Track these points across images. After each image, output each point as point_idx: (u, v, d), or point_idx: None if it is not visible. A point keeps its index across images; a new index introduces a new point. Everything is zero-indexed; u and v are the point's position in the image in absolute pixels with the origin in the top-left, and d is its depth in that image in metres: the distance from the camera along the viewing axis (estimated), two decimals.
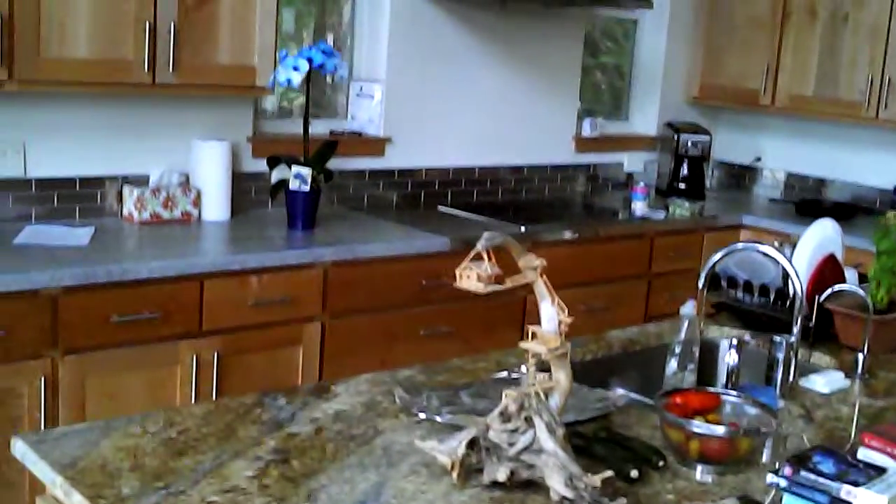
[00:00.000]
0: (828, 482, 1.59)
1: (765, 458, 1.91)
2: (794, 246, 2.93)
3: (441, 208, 4.47)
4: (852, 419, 2.23)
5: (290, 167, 3.70)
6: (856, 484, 1.58)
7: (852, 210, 5.13)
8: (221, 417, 1.93)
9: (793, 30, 5.11)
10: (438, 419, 1.97)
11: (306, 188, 3.69)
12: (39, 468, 1.70)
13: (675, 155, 5.31)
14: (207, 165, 3.75)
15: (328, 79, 4.32)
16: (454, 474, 1.68)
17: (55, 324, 2.94)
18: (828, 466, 1.64)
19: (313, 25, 4.49)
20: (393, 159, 4.43)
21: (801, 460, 1.66)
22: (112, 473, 1.67)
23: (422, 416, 1.99)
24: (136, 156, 3.71)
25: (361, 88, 4.37)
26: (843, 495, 1.57)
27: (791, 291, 2.79)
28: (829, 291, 2.62)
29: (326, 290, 3.51)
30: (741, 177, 5.77)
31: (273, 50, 3.60)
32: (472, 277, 1.68)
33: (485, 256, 1.69)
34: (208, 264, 3.23)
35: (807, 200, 5.27)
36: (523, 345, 1.75)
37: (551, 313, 1.75)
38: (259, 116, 4.09)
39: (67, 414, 3.00)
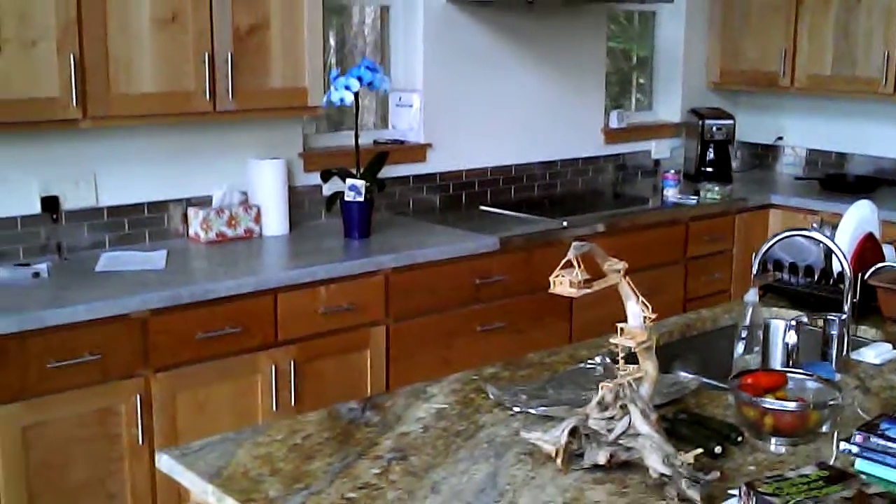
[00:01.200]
0: None
1: (825, 428, 2.10)
2: (833, 227, 3.12)
3: (483, 208, 4.67)
4: None
5: (343, 180, 3.90)
6: None
7: (875, 183, 5.30)
8: (336, 423, 2.13)
9: (808, 12, 5.28)
10: (532, 411, 2.16)
11: (360, 199, 3.88)
12: (188, 478, 1.90)
13: (700, 140, 5.49)
14: (265, 183, 3.95)
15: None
16: (558, 461, 1.88)
17: (146, 344, 3.15)
18: (895, 432, 1.83)
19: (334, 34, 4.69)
20: (434, 164, 4.63)
21: (870, 428, 1.85)
22: (255, 479, 1.87)
23: (516, 409, 2.18)
24: (196, 178, 3.92)
25: (400, 98, 4.56)
26: None
27: (835, 271, 2.99)
28: (871, 270, 2.81)
29: (388, 294, 3.71)
30: (764, 156, 5.94)
31: (321, 70, 3.80)
32: (564, 283, 1.87)
33: (575, 263, 1.87)
34: (280, 279, 3.43)
35: (831, 175, 5.45)
36: (614, 340, 1.95)
37: (636, 311, 1.94)
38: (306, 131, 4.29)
39: (161, 427, 3.21)
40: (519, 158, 4.97)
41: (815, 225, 3.25)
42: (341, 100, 3.70)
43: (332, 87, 3.74)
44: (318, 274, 3.51)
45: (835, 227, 3.13)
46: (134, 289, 3.19)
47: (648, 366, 1.94)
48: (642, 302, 1.94)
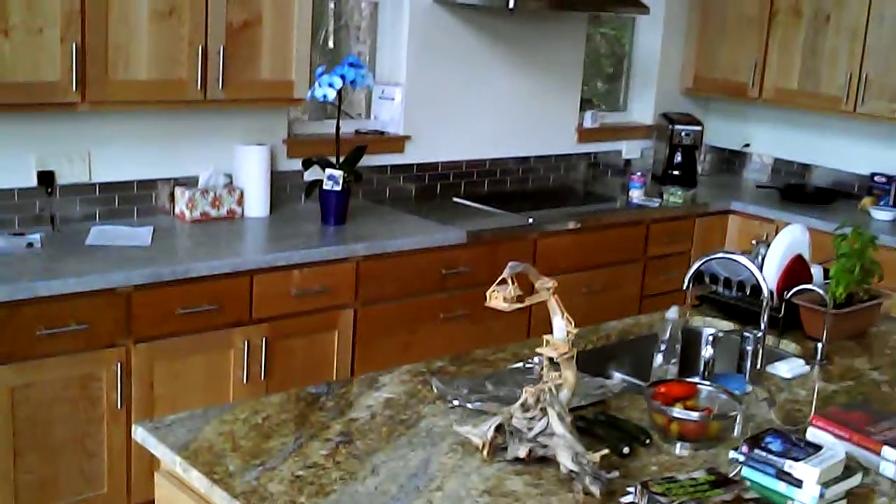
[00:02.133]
0: (775, 458, 2.06)
1: (736, 433, 2.38)
2: (768, 245, 3.39)
3: (456, 199, 4.92)
4: (809, 401, 2.69)
5: (323, 169, 4.15)
6: (796, 459, 2.04)
7: (833, 194, 5.58)
8: (295, 405, 2.40)
9: (779, 28, 5.53)
10: (469, 406, 2.43)
11: (338, 188, 4.13)
12: (160, 450, 2.17)
13: (669, 144, 5.75)
14: (249, 167, 4.20)
15: None
16: (484, 452, 2.15)
17: (128, 316, 3.41)
18: (776, 445, 2.10)
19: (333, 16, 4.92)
20: (412, 155, 4.88)
21: (755, 440, 2.12)
22: (218, 454, 2.13)
23: (455, 403, 2.45)
24: (185, 159, 4.16)
25: (383, 91, 4.80)
26: (786, 468, 2.04)
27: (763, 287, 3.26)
28: (794, 290, 3.08)
29: (358, 280, 3.97)
30: (731, 161, 6.21)
31: (308, 64, 4.03)
32: (498, 298, 2.13)
33: (509, 281, 2.13)
34: (257, 261, 3.69)
35: (791, 186, 5.71)
36: (539, 350, 2.21)
37: (561, 325, 2.20)
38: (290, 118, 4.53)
39: (139, 395, 3.48)
40: (494, 153, 5.22)
41: (755, 242, 3.52)
42: (324, 96, 3.94)
43: (316, 83, 3.98)
44: (293, 258, 3.77)
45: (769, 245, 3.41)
46: (120, 264, 3.44)
47: (569, 374, 2.21)
48: (567, 317, 2.20)
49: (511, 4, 4.38)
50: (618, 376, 2.97)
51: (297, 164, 4.39)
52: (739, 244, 5.39)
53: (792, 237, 3.30)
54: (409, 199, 4.88)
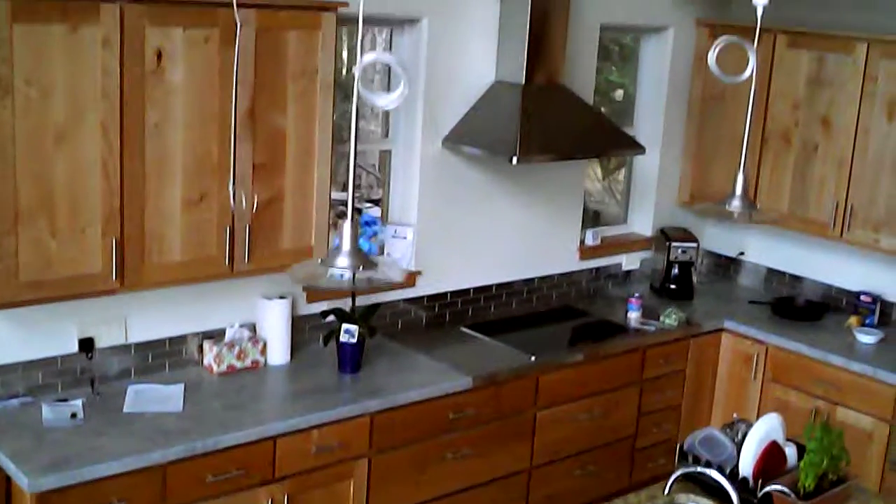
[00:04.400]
0: None
1: None
2: (748, 425, 3.72)
3: (463, 329, 5.25)
4: None
5: (340, 323, 4.48)
6: None
7: (823, 309, 5.89)
8: None
9: (770, 153, 5.83)
10: None
11: (353, 340, 4.47)
12: None
13: (667, 260, 6.06)
14: (272, 319, 4.54)
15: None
16: None
17: (164, 488, 3.75)
18: None
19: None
20: (422, 287, 5.21)
21: None
22: None
23: None
24: (212, 314, 4.51)
25: (396, 231, 5.13)
26: None
27: (741, 471, 3.58)
28: (768, 487, 3.40)
29: (372, 432, 4.31)
30: (727, 268, 6.52)
31: (326, 228, 4.35)
32: None
33: None
34: (279, 428, 4.03)
35: (782, 299, 6.02)
36: None
37: None
38: None
39: None
40: (500, 278, 5.55)
41: (735, 415, 3.85)
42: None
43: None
44: (312, 420, 4.11)
45: (750, 425, 3.74)
46: (156, 437, 3.78)
47: None
48: None
49: (514, 161, 4.70)
50: None
51: (316, 308, 4.73)
52: (732, 364, 5.72)
53: (769, 426, 3.63)
54: (419, 328, 5.21)
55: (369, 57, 2.55)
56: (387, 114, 5.26)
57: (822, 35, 5.55)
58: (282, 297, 4.60)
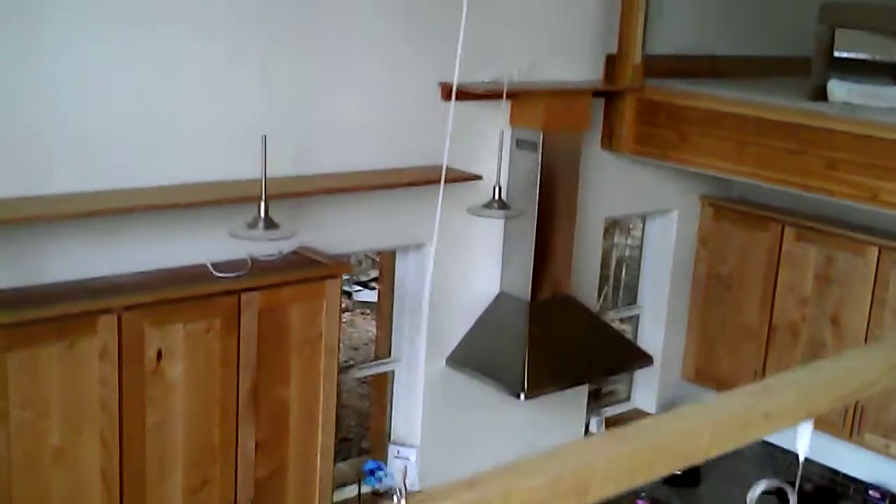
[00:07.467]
0: None
1: None
2: None
3: None
4: None
5: None
6: None
7: (831, 496, 5.79)
8: None
9: (777, 344, 5.73)
10: None
11: None
12: None
13: None
14: None
15: None
16: None
17: None
18: None
19: None
20: None
21: None
22: None
23: None
24: None
25: (399, 452, 5.02)
26: None
27: None
28: None
29: None
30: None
31: (330, 495, 4.25)
32: None
33: None
34: None
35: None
36: None
37: None
38: None
39: None
40: None
41: None
42: None
43: None
44: None
45: None
46: None
47: None
48: None
49: (522, 398, 4.60)
50: None
51: None
52: None
53: None
54: None
55: None
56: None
57: (831, 233, 5.46)
58: None
